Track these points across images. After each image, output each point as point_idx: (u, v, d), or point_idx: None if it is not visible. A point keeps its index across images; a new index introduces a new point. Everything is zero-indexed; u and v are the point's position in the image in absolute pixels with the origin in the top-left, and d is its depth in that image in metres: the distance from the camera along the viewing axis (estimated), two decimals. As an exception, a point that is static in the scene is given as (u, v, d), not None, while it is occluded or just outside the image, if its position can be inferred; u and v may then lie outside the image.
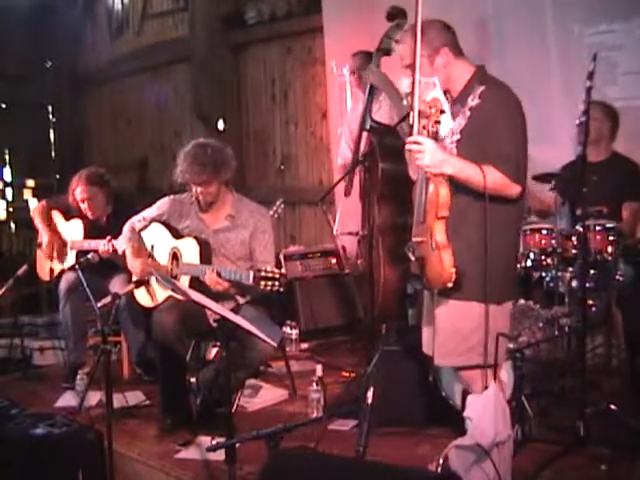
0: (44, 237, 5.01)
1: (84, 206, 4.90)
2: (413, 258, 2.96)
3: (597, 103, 3.98)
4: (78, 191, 4.88)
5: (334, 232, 5.68)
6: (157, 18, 8.29)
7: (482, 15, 5.18)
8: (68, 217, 5.05)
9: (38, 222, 5.07)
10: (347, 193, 4.63)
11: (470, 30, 4.85)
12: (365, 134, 4.38)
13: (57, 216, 5.09)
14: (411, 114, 2.88)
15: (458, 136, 2.97)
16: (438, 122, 2.82)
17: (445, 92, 2.99)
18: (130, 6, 8.60)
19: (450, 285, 2.85)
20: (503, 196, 2.91)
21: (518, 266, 3.73)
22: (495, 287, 2.93)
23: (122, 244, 4.31)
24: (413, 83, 2.89)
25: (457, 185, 2.89)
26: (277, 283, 3.58)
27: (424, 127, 2.83)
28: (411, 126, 2.87)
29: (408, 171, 3.21)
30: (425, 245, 2.89)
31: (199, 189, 4.04)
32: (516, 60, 4.95)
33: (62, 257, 4.99)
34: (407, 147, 2.87)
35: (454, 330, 3.01)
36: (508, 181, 2.88)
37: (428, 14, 2.99)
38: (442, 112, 2.81)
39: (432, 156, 2.80)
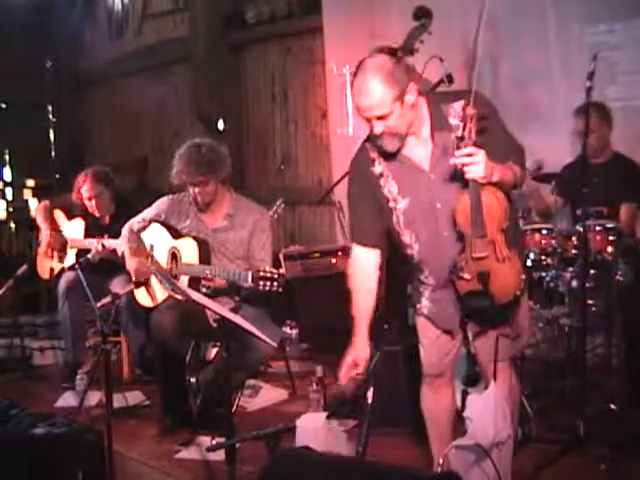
0: (44, 235, 5.03)
1: (90, 204, 4.90)
2: (469, 277, 2.73)
3: (593, 110, 3.86)
4: (85, 189, 4.88)
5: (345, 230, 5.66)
6: (157, 18, 8.28)
7: (483, 15, 5.16)
8: (70, 216, 5.06)
9: (40, 221, 5.09)
10: None
11: (471, 30, 4.84)
12: None
13: (59, 215, 5.10)
14: (460, 125, 2.65)
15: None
16: (480, 130, 2.69)
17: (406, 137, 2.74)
18: (130, 6, 8.59)
19: (519, 293, 2.72)
20: (516, 188, 2.86)
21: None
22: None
23: (121, 245, 4.31)
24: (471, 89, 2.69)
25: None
26: (276, 283, 3.58)
27: (469, 137, 2.65)
28: (460, 138, 2.64)
29: None
30: (489, 260, 2.71)
31: (196, 189, 4.03)
32: (516, 60, 4.94)
33: (62, 256, 5.00)
34: (459, 161, 2.63)
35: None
36: (524, 172, 2.85)
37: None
38: (483, 118, 2.68)
39: (486, 166, 2.63)
